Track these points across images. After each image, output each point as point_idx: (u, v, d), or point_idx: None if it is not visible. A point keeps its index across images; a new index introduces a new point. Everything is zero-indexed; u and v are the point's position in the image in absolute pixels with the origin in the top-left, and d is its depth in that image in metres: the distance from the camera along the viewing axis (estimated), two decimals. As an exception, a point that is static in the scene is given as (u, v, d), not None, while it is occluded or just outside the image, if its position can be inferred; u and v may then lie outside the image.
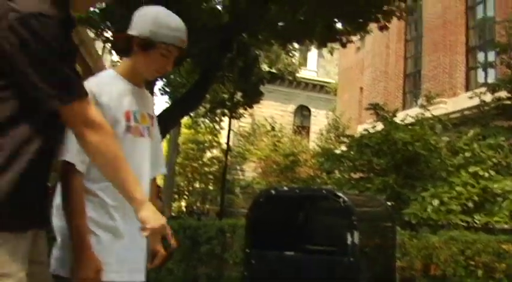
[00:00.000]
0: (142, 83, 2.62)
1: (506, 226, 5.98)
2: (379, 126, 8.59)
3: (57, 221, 2.36)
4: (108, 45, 16.57)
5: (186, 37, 2.50)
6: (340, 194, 3.70)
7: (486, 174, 6.57)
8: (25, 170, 1.79)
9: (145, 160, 2.52)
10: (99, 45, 28.29)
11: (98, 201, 2.34)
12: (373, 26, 12.92)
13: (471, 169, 6.70)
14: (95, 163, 2.09)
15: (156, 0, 4.46)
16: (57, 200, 2.38)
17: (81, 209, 2.26)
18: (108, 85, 2.44)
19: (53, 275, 2.32)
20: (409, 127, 8.00)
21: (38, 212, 1.94)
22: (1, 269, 1.75)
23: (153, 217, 2.05)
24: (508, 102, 9.40)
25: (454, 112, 13.68)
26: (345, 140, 8.78)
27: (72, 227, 2.24)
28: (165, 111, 11.53)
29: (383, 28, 12.67)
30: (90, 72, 29.96)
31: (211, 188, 30.86)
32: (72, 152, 2.25)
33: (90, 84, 2.35)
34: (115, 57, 19.90)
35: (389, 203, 6.31)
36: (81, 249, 2.22)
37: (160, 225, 2.07)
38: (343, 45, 13.69)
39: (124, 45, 2.49)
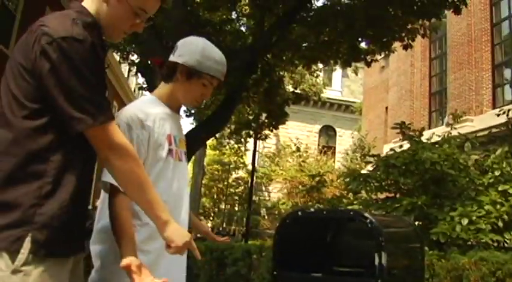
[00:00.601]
0: (179, 108, 2.70)
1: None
2: (406, 145, 8.53)
3: (98, 245, 2.39)
4: (134, 68, 16.81)
5: (225, 71, 2.59)
6: (367, 215, 3.67)
7: (516, 193, 6.49)
8: (69, 196, 1.83)
9: (185, 183, 2.60)
10: (125, 68, 28.70)
11: (140, 224, 2.36)
12: (397, 44, 12.92)
13: (500, 187, 6.61)
14: (121, 186, 2.11)
15: (186, 25, 4.53)
16: (99, 224, 2.41)
17: (128, 228, 2.24)
18: (151, 109, 2.48)
19: None
20: (436, 146, 7.93)
21: (79, 238, 1.98)
22: None
23: (178, 234, 2.05)
24: (536, 119, 9.29)
25: (481, 130, 13.52)
26: (371, 159, 8.72)
27: (121, 247, 2.23)
28: (191, 133, 11.61)
29: (407, 47, 12.66)
30: (117, 95, 30.35)
31: (236, 209, 30.86)
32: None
33: (135, 109, 2.43)
34: (140, 79, 20.09)
35: (417, 223, 6.25)
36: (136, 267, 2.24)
37: (184, 242, 2.06)
38: (368, 65, 13.71)
39: (168, 71, 2.55)
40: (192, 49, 2.52)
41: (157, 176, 2.41)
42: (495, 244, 6.10)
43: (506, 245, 6.19)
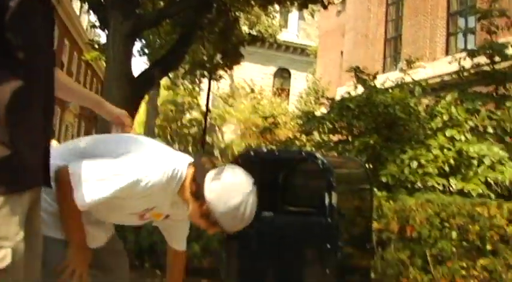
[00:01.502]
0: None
1: (481, 191, 6.07)
2: (359, 89, 8.61)
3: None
4: (86, 4, 16.29)
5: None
6: (318, 156, 3.73)
7: (463, 138, 6.64)
8: (17, 128, 1.75)
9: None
10: (76, 4, 27.81)
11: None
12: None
13: (448, 133, 6.76)
14: None
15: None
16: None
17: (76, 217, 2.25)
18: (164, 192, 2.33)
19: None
20: (390, 90, 8.02)
21: (35, 171, 1.89)
22: None
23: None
24: (487, 68, 9.43)
25: (433, 77, 13.74)
26: (325, 101, 8.77)
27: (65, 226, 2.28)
28: (144, 72, 11.42)
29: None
30: (68, 32, 29.50)
31: (190, 149, 30.84)
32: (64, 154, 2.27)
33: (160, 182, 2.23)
34: (93, 17, 19.53)
35: (368, 166, 6.37)
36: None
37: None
38: (325, 7, 13.63)
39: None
40: (223, 201, 2.21)
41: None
42: (441, 187, 6.28)
43: (451, 189, 6.37)
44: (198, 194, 2.22)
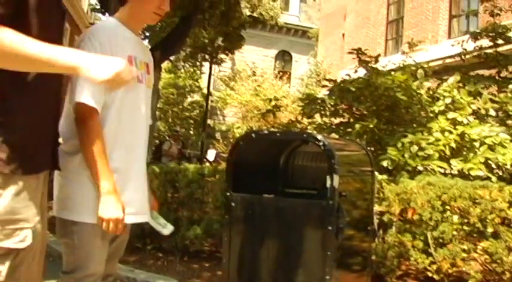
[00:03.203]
0: (139, 30, 2.67)
1: (481, 173, 6.06)
2: (361, 72, 8.57)
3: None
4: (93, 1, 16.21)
5: None
6: (320, 138, 3.71)
7: (465, 121, 6.62)
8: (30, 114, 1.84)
9: (142, 105, 2.55)
10: (84, 2, 27.69)
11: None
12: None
13: (450, 115, 6.73)
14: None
15: None
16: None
17: (103, 150, 2.28)
18: (113, 31, 2.47)
19: (57, 218, 2.38)
20: (391, 73, 7.98)
21: (44, 154, 2.00)
22: (18, 214, 1.84)
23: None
24: (490, 51, 9.39)
25: (435, 60, 13.67)
26: (327, 83, 8.73)
27: (95, 169, 2.27)
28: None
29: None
30: (70, 16, 29.36)
31: (191, 132, 30.81)
32: (87, 93, 2.27)
33: (101, 35, 2.40)
34: (93, 0, 19.49)
35: (369, 148, 6.37)
36: (108, 191, 2.27)
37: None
38: (326, -11, 13.51)
39: None
40: None
41: (120, 100, 2.41)
42: (441, 170, 6.28)
43: (452, 172, 6.37)
44: None
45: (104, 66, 1.82)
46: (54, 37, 1.91)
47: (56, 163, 2.14)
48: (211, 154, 21.49)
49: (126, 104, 2.43)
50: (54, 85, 2.01)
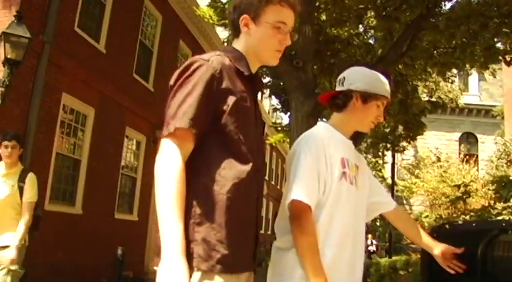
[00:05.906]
0: (350, 134, 2.80)
1: None
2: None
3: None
4: (267, 90, 17.13)
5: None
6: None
7: None
8: (222, 213, 1.91)
9: (352, 206, 2.60)
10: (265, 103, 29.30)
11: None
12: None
13: None
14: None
15: (315, 43, 4.57)
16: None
17: (316, 246, 2.34)
18: (327, 134, 2.65)
19: None
20: None
21: (246, 256, 2.04)
22: None
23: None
24: None
25: None
26: (520, 164, 8.19)
27: (307, 265, 2.31)
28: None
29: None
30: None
31: (378, 224, 30.26)
32: (302, 191, 2.39)
33: (316, 136, 2.60)
34: (274, 101, 20.43)
35: None
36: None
37: None
38: (508, 64, 12.96)
39: (343, 100, 2.71)
40: (361, 76, 2.72)
41: (333, 200, 2.49)
42: None
43: None
44: (344, 101, 2.71)
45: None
46: (251, 146, 2.03)
47: (251, 264, 2.11)
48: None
49: (339, 204, 2.49)
50: (259, 188, 2.11)
